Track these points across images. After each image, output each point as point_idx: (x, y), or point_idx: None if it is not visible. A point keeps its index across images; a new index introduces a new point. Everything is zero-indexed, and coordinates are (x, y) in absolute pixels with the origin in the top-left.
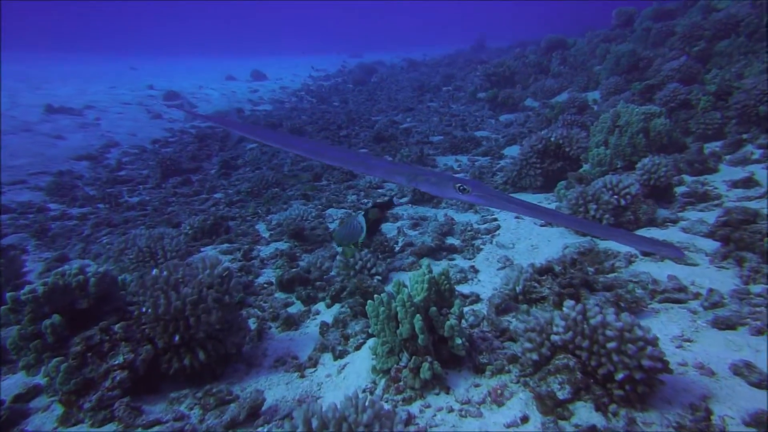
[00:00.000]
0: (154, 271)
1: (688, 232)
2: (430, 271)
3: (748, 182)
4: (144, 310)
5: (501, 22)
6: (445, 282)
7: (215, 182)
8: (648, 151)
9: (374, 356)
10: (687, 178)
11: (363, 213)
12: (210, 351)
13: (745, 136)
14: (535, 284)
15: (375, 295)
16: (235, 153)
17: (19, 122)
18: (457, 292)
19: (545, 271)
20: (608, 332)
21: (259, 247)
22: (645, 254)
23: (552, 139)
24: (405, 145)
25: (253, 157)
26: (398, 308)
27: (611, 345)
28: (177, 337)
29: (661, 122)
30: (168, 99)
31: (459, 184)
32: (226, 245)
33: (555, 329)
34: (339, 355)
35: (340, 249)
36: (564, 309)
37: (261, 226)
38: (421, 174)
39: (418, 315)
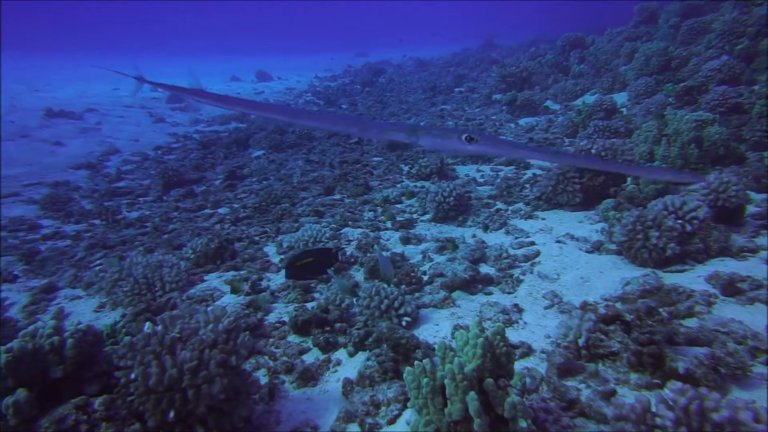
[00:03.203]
0: (147, 327)
1: None
2: (483, 331)
3: None
4: (132, 378)
5: (504, 20)
6: (501, 344)
7: (220, 195)
8: (701, 163)
9: None
10: (754, 195)
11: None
12: (212, 428)
13: None
14: (602, 336)
15: (416, 362)
16: (241, 162)
17: (18, 127)
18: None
19: (612, 319)
20: None
21: (268, 275)
22: (727, 291)
23: (593, 151)
24: (422, 154)
25: (259, 166)
26: (446, 381)
27: None
28: (172, 414)
29: (716, 130)
30: (172, 101)
31: (466, 135)
32: (231, 273)
33: (660, 421)
34: (369, 430)
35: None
36: (667, 391)
37: (270, 249)
38: (422, 129)
39: (472, 393)
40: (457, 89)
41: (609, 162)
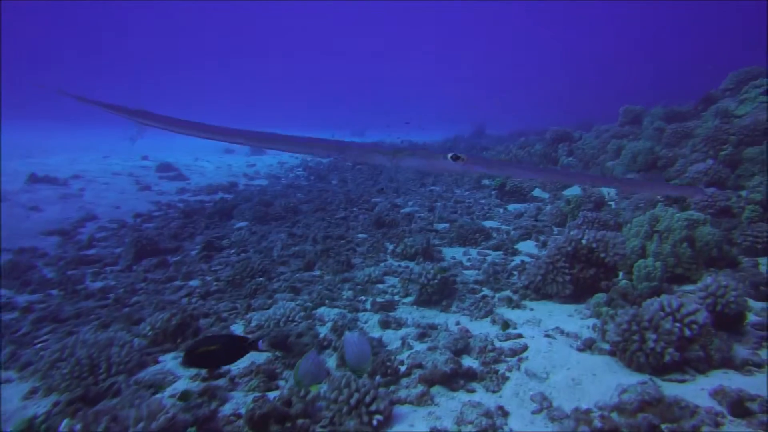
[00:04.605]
0: (63, 425)
1: None
2: None
3: None
4: None
5: (493, 112)
6: None
7: (194, 266)
8: (695, 263)
9: None
10: (753, 303)
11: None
12: None
13: None
14: None
15: None
16: (222, 232)
17: None
18: None
19: None
20: None
21: None
22: (735, 412)
23: (583, 241)
24: (409, 233)
25: (240, 238)
26: None
27: None
28: None
29: (709, 231)
30: (161, 171)
31: (452, 154)
32: None
33: None
34: None
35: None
36: None
37: (238, 327)
38: (405, 151)
39: None
40: None
41: (603, 177)
